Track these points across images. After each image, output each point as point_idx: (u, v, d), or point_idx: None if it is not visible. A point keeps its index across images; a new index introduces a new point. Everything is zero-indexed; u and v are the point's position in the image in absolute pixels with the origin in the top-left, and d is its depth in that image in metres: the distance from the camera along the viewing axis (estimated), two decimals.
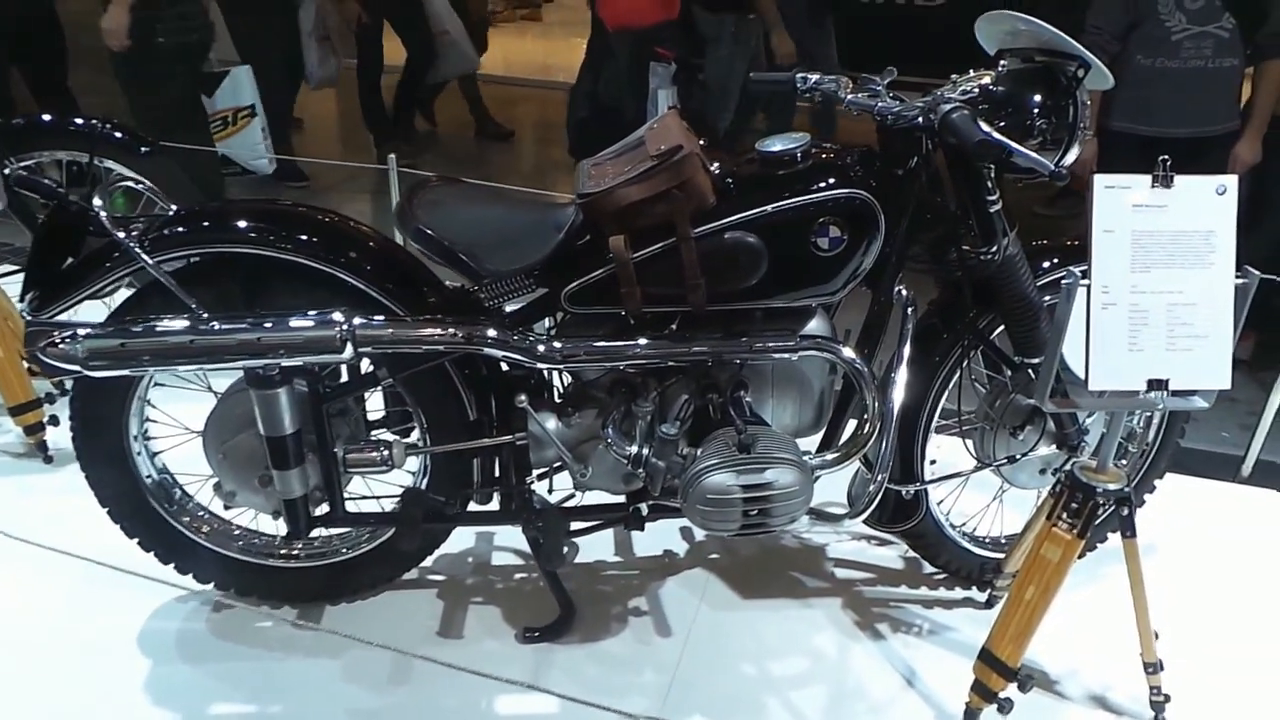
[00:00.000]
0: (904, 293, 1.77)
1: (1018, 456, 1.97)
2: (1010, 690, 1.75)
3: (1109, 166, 3.14)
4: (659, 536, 2.31)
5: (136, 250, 1.61)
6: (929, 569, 2.21)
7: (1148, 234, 1.49)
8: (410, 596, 2.10)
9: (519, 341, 1.66)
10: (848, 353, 1.73)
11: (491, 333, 1.65)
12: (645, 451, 1.73)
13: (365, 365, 1.85)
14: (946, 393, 1.94)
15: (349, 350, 1.60)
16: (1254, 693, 1.91)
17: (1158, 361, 1.51)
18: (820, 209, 1.62)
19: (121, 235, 1.62)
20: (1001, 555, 2.12)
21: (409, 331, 1.63)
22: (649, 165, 1.60)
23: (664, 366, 1.75)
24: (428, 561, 2.15)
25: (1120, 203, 1.48)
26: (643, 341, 1.68)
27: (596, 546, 2.27)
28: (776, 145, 1.69)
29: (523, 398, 1.74)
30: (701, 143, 1.74)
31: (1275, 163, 3.13)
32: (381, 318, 1.64)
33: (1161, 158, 1.49)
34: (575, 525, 1.89)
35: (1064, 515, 1.68)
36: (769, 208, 1.62)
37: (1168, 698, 1.82)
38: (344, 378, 1.88)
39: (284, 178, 4.87)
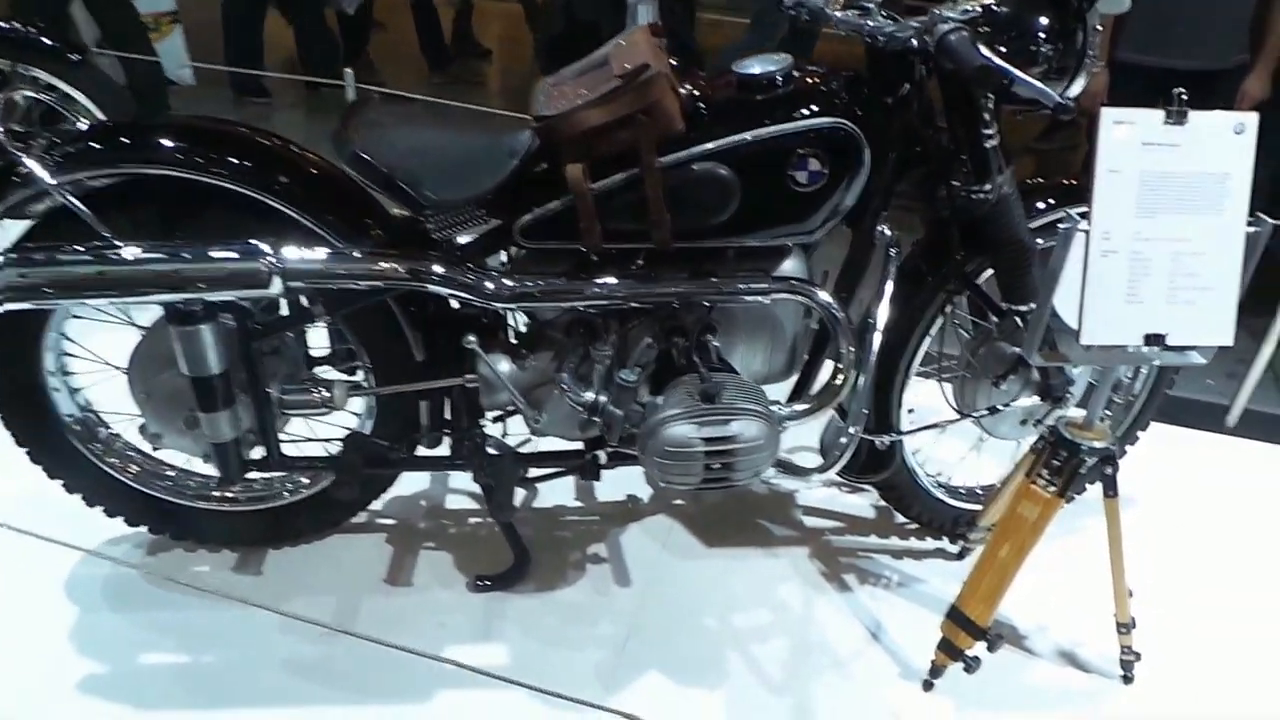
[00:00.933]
0: (887, 233, 1.64)
1: (999, 407, 1.87)
2: (978, 649, 1.68)
3: (1115, 100, 2.99)
4: (622, 482, 2.21)
5: (37, 170, 1.44)
6: (901, 518, 2.13)
7: (1157, 175, 1.36)
8: (358, 541, 2.00)
9: (466, 278, 1.51)
10: (824, 296, 1.60)
11: (436, 268, 1.50)
12: (602, 398, 1.61)
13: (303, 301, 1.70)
14: (928, 339, 1.83)
15: (277, 285, 1.45)
16: (1227, 647, 1.86)
17: (1157, 315, 1.40)
18: (799, 140, 1.47)
19: (21, 153, 1.45)
20: (977, 507, 2.04)
21: (344, 266, 1.48)
22: (612, 86, 1.44)
23: (626, 308, 1.62)
24: (378, 504, 2.04)
25: (1129, 140, 1.34)
26: (602, 281, 1.54)
27: (557, 491, 2.17)
28: (755, 67, 1.53)
29: (472, 338, 1.61)
30: (672, 62, 1.57)
31: None
32: (314, 250, 1.49)
33: (1176, 90, 1.35)
34: (529, 473, 1.78)
35: (1044, 472, 1.59)
36: (742, 137, 1.47)
37: (1138, 656, 1.77)
38: (285, 312, 1.74)
39: (245, 92, 4.60)
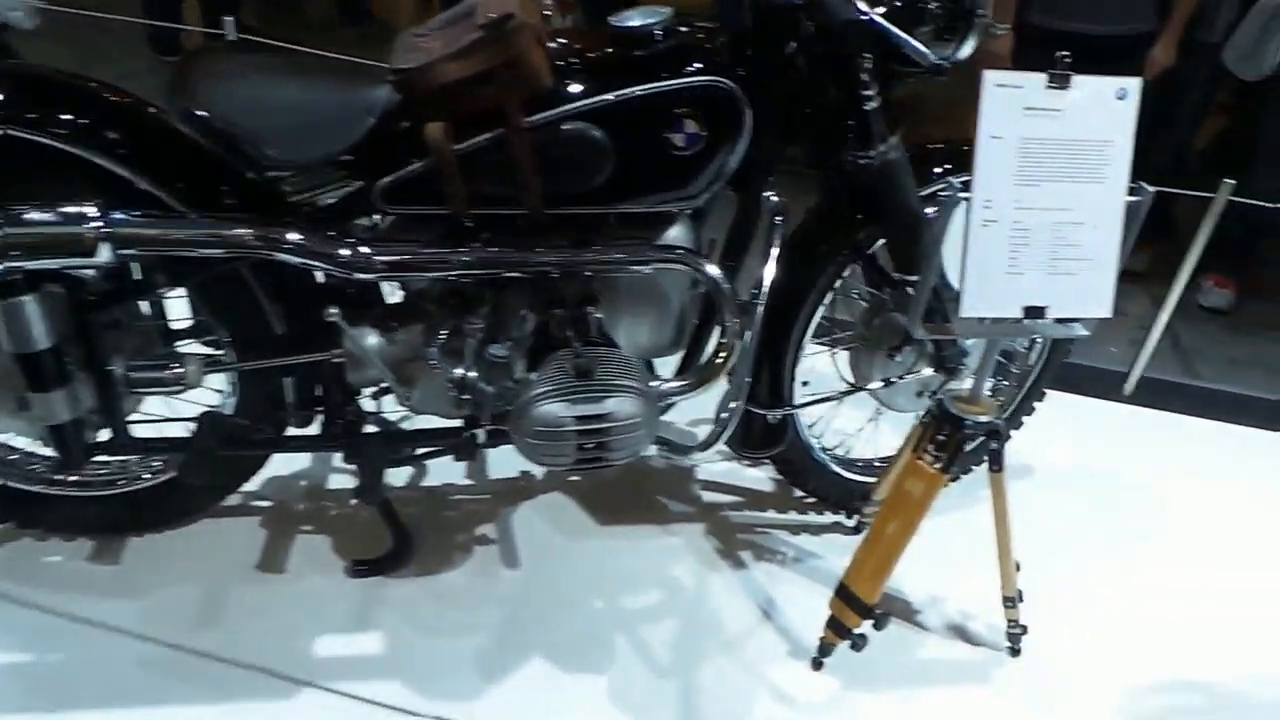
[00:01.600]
0: (773, 199, 1.57)
1: (893, 380, 1.84)
2: (866, 627, 1.65)
3: (1023, 64, 2.96)
4: (516, 458, 2.13)
5: None
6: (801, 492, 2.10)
7: (1038, 142, 1.31)
8: (230, 525, 1.89)
9: (317, 246, 1.40)
10: (709, 267, 1.53)
11: (283, 235, 1.39)
12: (472, 375, 1.52)
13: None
14: (821, 310, 1.77)
15: (105, 252, 1.32)
16: (1117, 617, 1.87)
17: (1038, 286, 1.36)
18: (675, 99, 1.39)
19: None
20: (875, 480, 2.01)
21: (181, 232, 1.36)
22: (473, 37, 1.33)
23: (500, 278, 1.53)
24: (254, 485, 1.93)
25: (1011, 105, 1.29)
26: (470, 249, 1.45)
27: (447, 469, 2.08)
28: (634, 20, 1.44)
29: (334, 310, 1.50)
30: (546, 12, 1.47)
31: (1187, 68, 3.00)
32: (148, 215, 1.36)
33: (1060, 53, 1.30)
34: (406, 453, 1.69)
35: (929, 447, 1.56)
36: (615, 95, 1.38)
37: (1024, 629, 1.76)
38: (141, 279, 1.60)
39: (160, 51, 4.29)
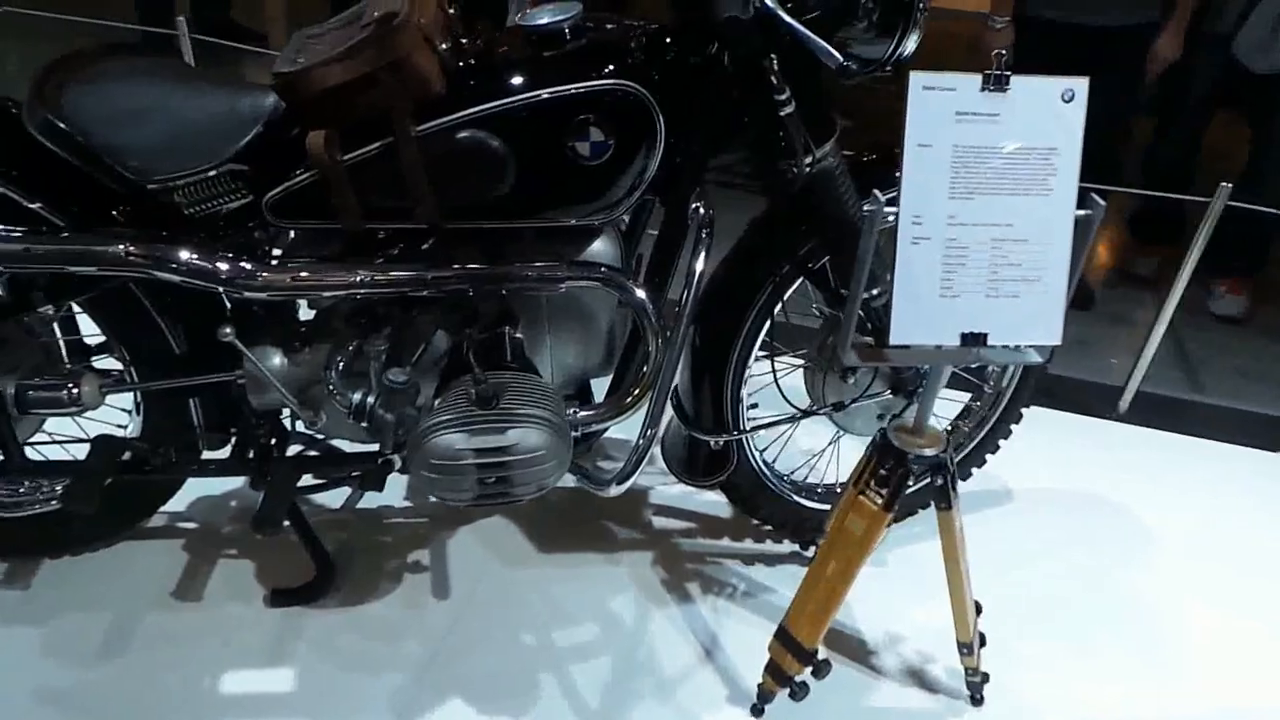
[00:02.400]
0: (700, 210, 1.45)
1: (847, 403, 1.71)
2: (807, 674, 1.53)
3: (1025, 59, 2.81)
4: None
5: None
6: None
7: (973, 150, 1.18)
8: (150, 548, 1.81)
9: (200, 263, 1.31)
10: (630, 285, 1.42)
11: (164, 251, 1.30)
12: (370, 400, 1.42)
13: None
14: (766, 327, 1.65)
15: None
16: (1092, 664, 1.73)
17: (976, 310, 1.23)
18: (576, 106, 1.27)
19: None
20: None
21: (49, 248, 1.28)
22: (356, 39, 1.23)
23: (409, 296, 1.43)
24: (180, 505, 1.86)
25: (941, 109, 1.16)
26: (365, 267, 1.35)
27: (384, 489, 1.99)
28: (543, 17, 1.33)
29: (229, 330, 1.40)
30: (451, 10, 1.37)
31: (1195, 61, 2.83)
32: (9, 230, 1.27)
33: (996, 51, 1.17)
34: (309, 480, 1.60)
35: (872, 483, 1.43)
36: (512, 101, 1.27)
37: (985, 677, 1.63)
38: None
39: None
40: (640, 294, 1.42)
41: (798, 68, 1.25)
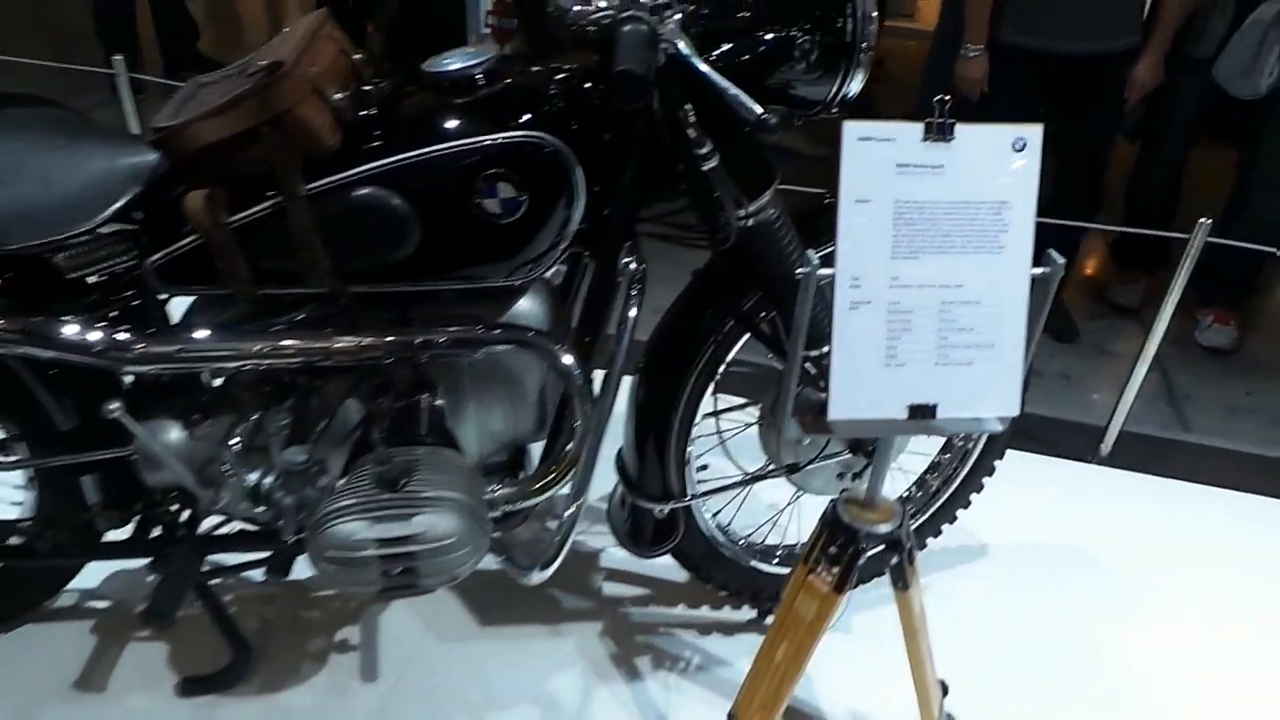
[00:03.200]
0: (632, 265, 1.34)
1: (802, 464, 1.59)
2: None
3: (1000, 87, 2.72)
4: None
5: None
6: None
7: (917, 206, 1.07)
8: (51, 632, 1.67)
9: (71, 337, 1.19)
10: (555, 349, 1.30)
11: (33, 325, 1.18)
12: (268, 481, 1.29)
13: None
14: (712, 386, 1.53)
15: None
16: None
17: (924, 380, 1.11)
18: (483, 160, 1.16)
19: None
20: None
21: None
22: (238, 90, 1.12)
23: (315, 365, 1.31)
24: (92, 581, 1.73)
25: (880, 162, 1.05)
26: (258, 337, 1.23)
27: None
28: (453, 63, 1.22)
29: (115, 405, 1.28)
30: (357, 56, 1.26)
31: (1178, 87, 2.73)
32: None
33: (938, 98, 1.06)
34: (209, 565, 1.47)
35: (823, 559, 1.31)
36: (409, 156, 1.15)
37: None
38: None
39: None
40: (566, 359, 1.30)
41: (726, 117, 1.14)
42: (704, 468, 1.65)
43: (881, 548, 1.30)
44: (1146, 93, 2.67)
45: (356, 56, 1.25)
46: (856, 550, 1.27)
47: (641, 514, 1.60)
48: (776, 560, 1.78)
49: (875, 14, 1.21)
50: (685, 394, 1.48)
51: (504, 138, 1.15)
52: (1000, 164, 1.07)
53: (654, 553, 1.64)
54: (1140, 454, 2.35)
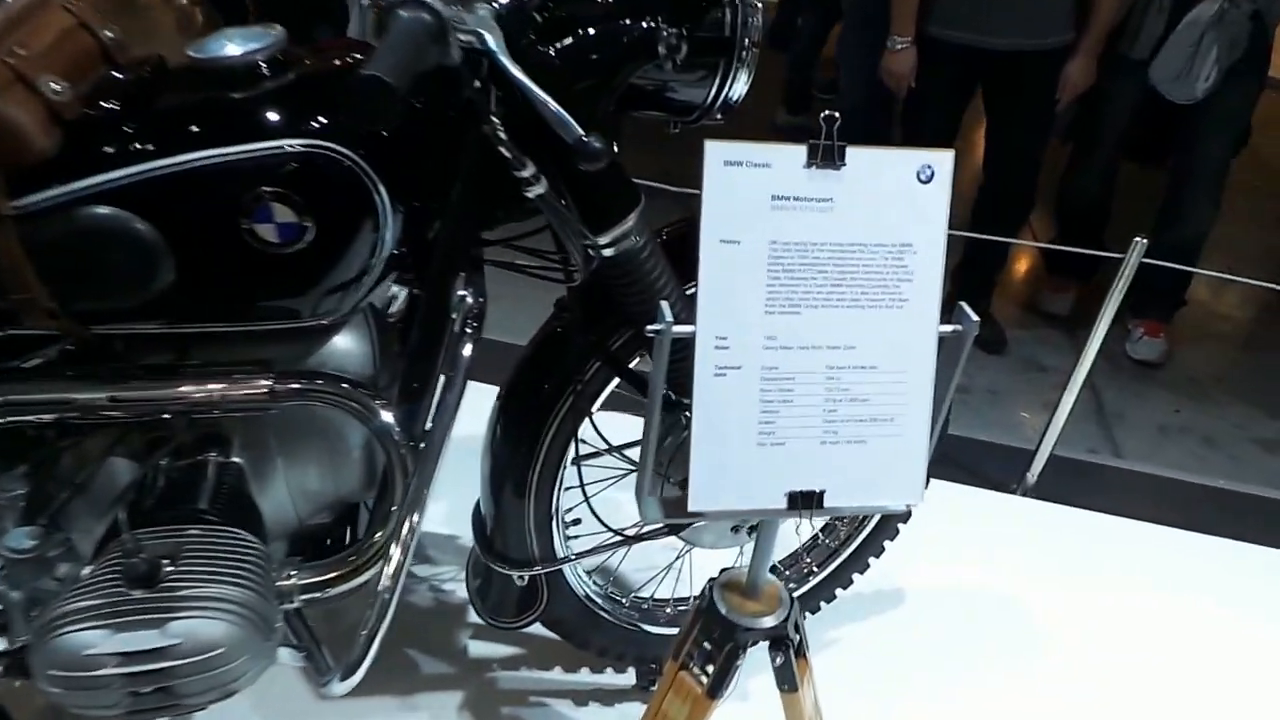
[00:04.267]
0: (468, 299, 1.10)
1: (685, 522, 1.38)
2: None
3: (927, 85, 2.54)
4: None
5: None
6: None
7: (799, 249, 0.85)
8: None
9: None
10: (367, 401, 1.06)
11: None
12: None
13: None
14: (575, 437, 1.31)
15: None
16: None
17: (808, 462, 0.90)
18: (254, 175, 0.91)
19: None
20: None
21: None
22: None
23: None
24: None
25: (752, 193, 0.83)
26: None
27: None
28: (230, 46, 0.95)
29: None
30: (108, 35, 0.99)
31: (1113, 89, 2.57)
32: None
33: (826, 114, 0.83)
34: None
35: (696, 656, 1.10)
36: (152, 167, 0.89)
37: None
38: None
39: None
40: (385, 416, 1.06)
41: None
42: (576, 522, 1.43)
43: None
44: (1079, 94, 2.52)
45: (108, 35, 0.98)
46: (735, 648, 1.06)
47: (501, 580, 1.37)
48: (663, 619, 1.57)
49: (759, 5, 0.99)
50: (544, 446, 1.25)
51: (281, 148, 0.90)
52: (903, 198, 0.85)
53: (518, 624, 1.41)
54: (1068, 483, 2.19)
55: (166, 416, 1.05)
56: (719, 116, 1.11)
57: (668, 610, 1.59)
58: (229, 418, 1.09)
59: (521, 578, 1.34)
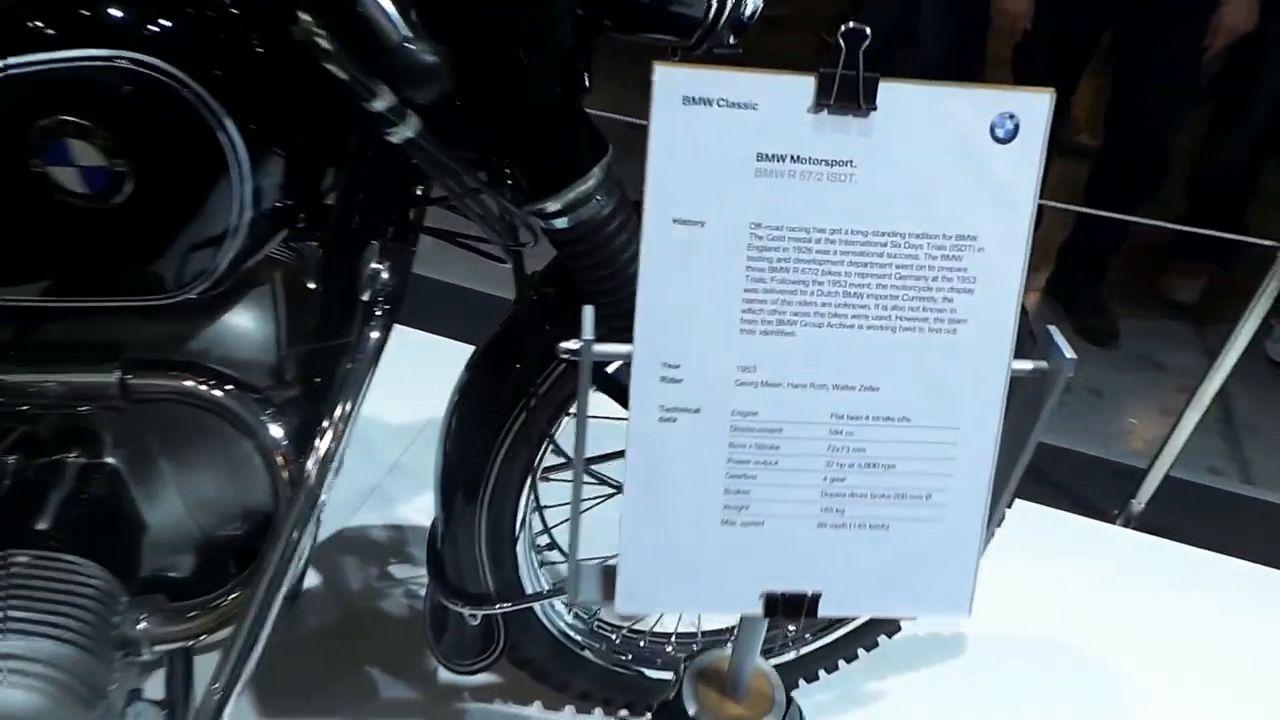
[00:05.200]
0: (383, 274, 0.83)
1: None
2: None
3: (1043, 26, 2.15)
4: None
5: None
6: None
7: (797, 237, 0.55)
8: None
9: None
10: (244, 403, 0.82)
11: None
12: None
13: None
14: (543, 453, 1.04)
15: None
16: None
17: (796, 550, 0.61)
18: (33, 97, 0.65)
19: None
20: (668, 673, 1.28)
21: None
22: None
23: None
24: None
25: (724, 148, 0.53)
26: None
27: None
28: None
29: None
30: None
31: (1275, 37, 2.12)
32: None
33: (846, 28, 0.53)
34: None
35: None
36: None
37: None
38: None
39: None
40: (264, 419, 0.82)
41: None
42: (550, 548, 1.17)
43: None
44: (1234, 40, 2.07)
45: None
46: None
47: (456, 618, 1.13)
48: (664, 662, 1.31)
49: None
50: (495, 463, 0.99)
51: (74, 60, 0.64)
52: (966, 164, 0.54)
53: (478, 666, 1.17)
54: (1183, 512, 1.82)
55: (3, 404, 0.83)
56: (732, 40, 0.81)
57: (668, 649, 1.33)
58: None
59: (473, 616, 1.09)
